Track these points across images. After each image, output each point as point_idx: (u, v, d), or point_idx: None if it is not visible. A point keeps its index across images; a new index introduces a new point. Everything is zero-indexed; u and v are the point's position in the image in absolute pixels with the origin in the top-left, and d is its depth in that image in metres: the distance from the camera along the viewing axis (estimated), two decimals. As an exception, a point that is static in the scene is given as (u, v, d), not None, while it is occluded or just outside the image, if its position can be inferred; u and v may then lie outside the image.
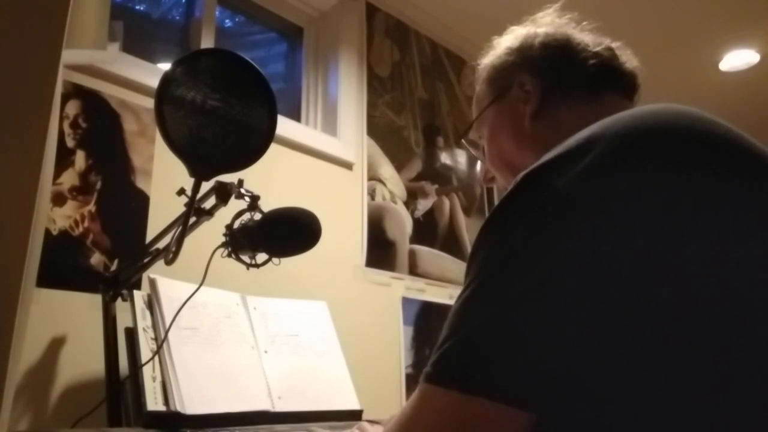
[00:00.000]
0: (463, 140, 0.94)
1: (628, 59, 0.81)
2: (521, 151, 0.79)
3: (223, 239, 0.98)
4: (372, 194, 1.98)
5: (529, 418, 0.48)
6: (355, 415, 1.21)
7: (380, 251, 1.95)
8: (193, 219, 0.93)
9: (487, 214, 0.74)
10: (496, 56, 0.85)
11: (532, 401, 0.47)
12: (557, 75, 0.78)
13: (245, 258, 0.99)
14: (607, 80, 0.77)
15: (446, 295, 2.11)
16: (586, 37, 0.81)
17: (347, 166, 1.93)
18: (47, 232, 1.22)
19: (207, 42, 1.77)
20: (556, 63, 0.79)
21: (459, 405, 0.48)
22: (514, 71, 0.82)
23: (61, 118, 1.29)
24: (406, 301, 1.98)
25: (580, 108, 0.75)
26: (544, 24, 0.84)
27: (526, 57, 0.81)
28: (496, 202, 0.56)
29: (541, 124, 0.78)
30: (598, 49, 0.79)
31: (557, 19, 0.84)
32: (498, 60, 0.85)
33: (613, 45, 0.81)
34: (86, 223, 1.29)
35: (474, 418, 0.47)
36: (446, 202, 2.26)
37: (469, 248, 2.24)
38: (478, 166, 0.96)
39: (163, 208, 1.36)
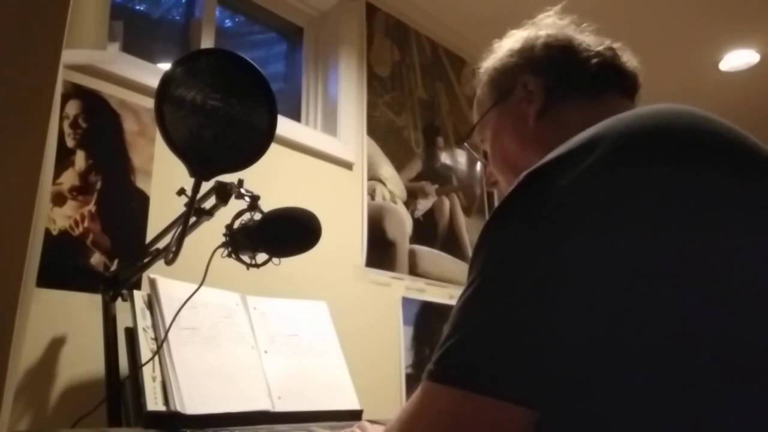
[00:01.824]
0: (465, 144, 0.93)
1: (629, 59, 0.81)
2: (525, 151, 0.79)
3: (223, 239, 0.98)
4: (372, 194, 1.98)
5: (531, 415, 0.48)
6: (355, 415, 1.21)
7: (380, 251, 1.95)
8: (193, 219, 0.93)
9: (487, 214, 0.74)
10: (498, 59, 0.85)
11: (534, 399, 0.47)
12: (560, 75, 0.78)
13: (245, 258, 0.99)
14: (610, 80, 0.77)
15: (446, 295, 2.11)
16: (587, 37, 0.81)
17: (347, 166, 1.93)
18: (47, 232, 1.22)
19: (207, 42, 1.77)
20: (559, 63, 0.79)
21: (461, 403, 0.48)
22: (516, 72, 0.82)
23: (61, 118, 1.29)
24: (406, 301, 1.98)
25: (583, 107, 0.75)
26: (544, 26, 0.84)
27: (528, 58, 0.81)
28: (497, 201, 0.56)
29: (544, 124, 0.77)
30: (599, 48, 0.79)
31: (558, 21, 0.84)
32: (500, 62, 0.85)
33: (614, 45, 0.81)
34: (86, 223, 1.29)
35: (476, 415, 0.48)
36: (446, 202, 2.26)
37: (469, 248, 2.25)
38: (479, 167, 0.97)
39: (163, 208, 1.36)
